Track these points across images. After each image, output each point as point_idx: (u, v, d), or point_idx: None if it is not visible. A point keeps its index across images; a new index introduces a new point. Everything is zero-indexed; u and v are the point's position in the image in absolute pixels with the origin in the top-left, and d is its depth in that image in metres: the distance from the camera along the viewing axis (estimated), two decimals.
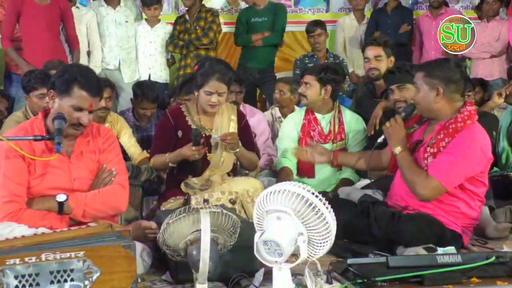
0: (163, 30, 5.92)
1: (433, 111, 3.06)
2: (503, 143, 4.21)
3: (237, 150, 3.60)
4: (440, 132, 3.00)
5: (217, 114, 3.68)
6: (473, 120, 3.00)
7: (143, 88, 4.88)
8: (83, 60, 5.60)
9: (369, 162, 3.46)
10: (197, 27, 5.83)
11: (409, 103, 3.33)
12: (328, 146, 4.05)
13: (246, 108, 4.72)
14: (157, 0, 5.80)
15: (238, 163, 3.80)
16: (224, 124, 3.68)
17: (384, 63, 4.40)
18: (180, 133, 3.63)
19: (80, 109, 2.70)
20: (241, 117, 3.79)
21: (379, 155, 3.47)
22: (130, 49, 5.85)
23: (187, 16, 5.90)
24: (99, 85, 2.78)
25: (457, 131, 2.96)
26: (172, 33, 5.91)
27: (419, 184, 2.95)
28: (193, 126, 3.60)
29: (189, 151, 3.47)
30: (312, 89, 4.04)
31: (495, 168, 4.13)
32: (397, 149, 3.07)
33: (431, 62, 3.25)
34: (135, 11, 6.04)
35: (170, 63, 6.09)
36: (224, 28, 6.44)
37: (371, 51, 4.43)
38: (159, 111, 4.86)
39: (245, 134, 3.77)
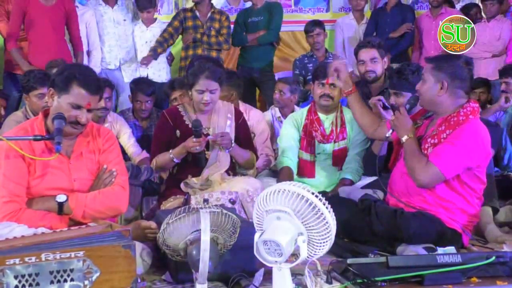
0: (159, 29, 5.88)
1: (434, 104, 3.09)
2: (506, 144, 4.21)
3: (230, 149, 3.62)
4: (442, 125, 3.04)
5: (213, 112, 3.69)
6: (476, 115, 3.04)
7: (138, 83, 4.99)
8: (83, 60, 5.60)
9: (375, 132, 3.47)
10: (211, 28, 5.79)
11: (412, 95, 3.34)
12: (329, 146, 4.05)
13: (246, 109, 4.71)
14: (150, 4, 5.73)
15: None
16: (220, 122, 3.69)
17: (380, 65, 4.38)
18: (178, 133, 3.64)
19: (78, 107, 2.70)
20: (238, 115, 3.79)
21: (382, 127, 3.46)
22: (129, 48, 5.85)
23: (197, 13, 5.81)
24: (98, 84, 2.78)
25: (458, 124, 2.99)
26: (174, 26, 5.82)
27: (418, 170, 2.97)
28: (191, 125, 3.61)
29: (190, 142, 3.49)
30: (337, 89, 4.03)
31: (496, 168, 4.12)
32: (404, 138, 3.08)
33: (442, 56, 3.28)
34: (133, 10, 6.02)
35: (170, 60, 6.05)
36: None
37: (366, 54, 4.39)
38: (159, 111, 4.88)
39: (242, 132, 3.78)
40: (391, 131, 3.21)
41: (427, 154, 3.01)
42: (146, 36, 5.84)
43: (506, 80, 4.83)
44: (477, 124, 3.02)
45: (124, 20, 5.81)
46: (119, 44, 5.79)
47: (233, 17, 6.49)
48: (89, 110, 2.73)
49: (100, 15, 5.75)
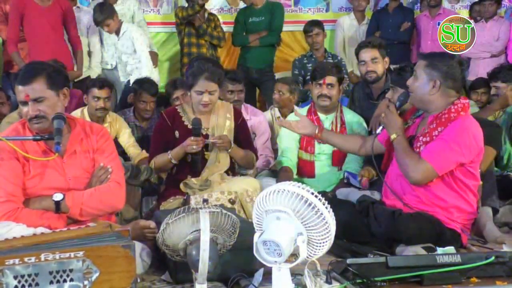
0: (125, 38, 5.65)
1: (425, 102, 3.09)
2: (505, 145, 4.20)
3: (229, 150, 3.62)
4: (433, 122, 3.04)
5: (212, 113, 3.69)
6: (467, 112, 3.05)
7: (142, 83, 4.96)
8: (84, 60, 5.60)
9: (369, 149, 3.38)
10: (209, 28, 5.86)
11: (403, 92, 3.34)
12: (329, 146, 4.04)
13: (248, 109, 4.72)
14: (102, 15, 5.42)
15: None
16: (220, 122, 3.68)
17: (381, 65, 4.38)
18: (177, 133, 3.64)
19: (23, 103, 2.69)
20: (237, 115, 3.79)
21: (367, 140, 3.45)
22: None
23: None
24: (30, 72, 2.70)
25: (450, 120, 3.00)
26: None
27: (411, 167, 2.97)
28: (189, 126, 3.61)
29: (188, 141, 3.48)
30: (335, 89, 4.03)
31: (495, 168, 4.13)
32: (393, 136, 3.09)
33: (436, 53, 3.26)
34: (133, 10, 5.99)
35: (154, 59, 5.87)
36: (224, 28, 6.44)
37: (367, 54, 4.39)
38: (159, 112, 4.87)
39: (242, 132, 3.78)
40: (381, 127, 3.21)
41: (419, 152, 3.01)
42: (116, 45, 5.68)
43: (496, 84, 4.82)
44: (468, 120, 3.02)
45: (122, 21, 5.79)
46: (114, 43, 5.78)
47: (233, 17, 6.51)
48: (36, 101, 2.66)
49: None
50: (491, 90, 4.93)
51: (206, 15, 5.93)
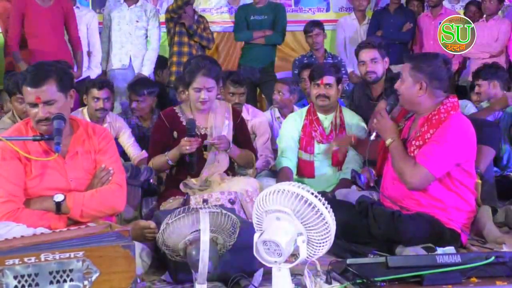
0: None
1: (414, 104, 3.09)
2: (505, 145, 4.20)
3: (228, 150, 3.62)
4: (424, 125, 3.03)
5: (211, 112, 3.68)
6: (457, 110, 3.04)
7: (133, 83, 5.06)
8: (84, 61, 5.60)
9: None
10: (198, 29, 5.86)
11: (392, 96, 3.34)
12: (329, 146, 4.05)
13: (249, 109, 4.72)
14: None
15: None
16: (218, 122, 3.68)
17: (381, 65, 4.38)
18: (175, 134, 3.63)
19: (32, 105, 2.67)
20: (236, 115, 3.79)
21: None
22: (141, 45, 5.84)
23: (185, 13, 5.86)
24: (41, 74, 2.66)
25: (440, 121, 2.98)
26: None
27: (407, 173, 2.96)
28: (188, 126, 3.61)
29: (182, 141, 3.48)
30: (333, 89, 4.04)
31: (495, 168, 4.12)
32: (388, 141, 3.09)
33: (419, 55, 3.26)
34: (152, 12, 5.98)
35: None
36: (224, 27, 6.44)
37: (367, 54, 4.38)
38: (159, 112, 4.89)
39: (241, 132, 3.78)
40: (375, 133, 3.21)
41: (414, 157, 3.00)
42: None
43: (478, 82, 4.81)
44: (459, 119, 3.01)
45: (137, 21, 5.80)
46: (131, 41, 5.79)
47: (233, 17, 6.49)
48: (47, 103, 2.65)
49: (117, 12, 5.76)
50: (474, 89, 4.92)
51: (196, 16, 5.94)
